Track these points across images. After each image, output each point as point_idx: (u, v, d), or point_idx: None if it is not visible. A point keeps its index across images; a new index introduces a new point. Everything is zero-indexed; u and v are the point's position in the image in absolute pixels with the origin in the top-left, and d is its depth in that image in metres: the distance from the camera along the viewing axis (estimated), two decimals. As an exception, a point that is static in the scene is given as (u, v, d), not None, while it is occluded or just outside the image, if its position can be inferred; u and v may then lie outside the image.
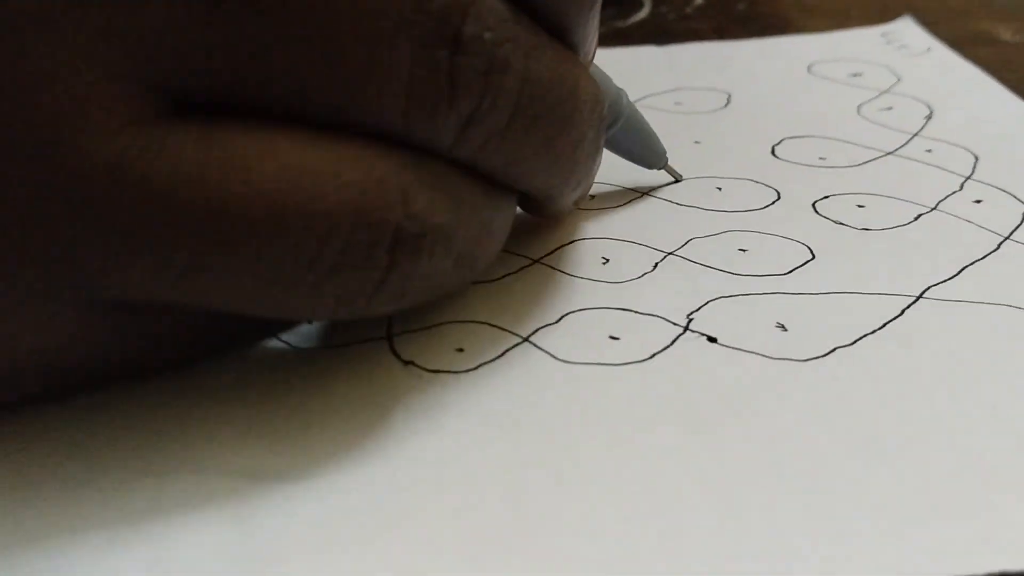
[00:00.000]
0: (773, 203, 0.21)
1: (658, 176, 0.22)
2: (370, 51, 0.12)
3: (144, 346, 0.14)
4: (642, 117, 0.21)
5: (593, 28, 0.16)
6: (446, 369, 0.16)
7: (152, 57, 0.12)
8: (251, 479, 0.14)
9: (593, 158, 0.17)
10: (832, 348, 0.16)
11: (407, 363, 0.16)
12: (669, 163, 0.22)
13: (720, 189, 0.22)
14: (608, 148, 0.21)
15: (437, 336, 0.17)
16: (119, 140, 0.12)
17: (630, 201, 0.22)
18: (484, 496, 0.13)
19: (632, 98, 0.25)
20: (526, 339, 0.17)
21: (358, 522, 0.13)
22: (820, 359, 0.16)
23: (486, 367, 0.16)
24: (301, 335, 0.17)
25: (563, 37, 0.15)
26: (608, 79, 0.20)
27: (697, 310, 0.17)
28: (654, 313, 0.17)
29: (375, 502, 0.13)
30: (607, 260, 0.19)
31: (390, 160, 0.13)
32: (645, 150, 0.22)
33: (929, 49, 0.30)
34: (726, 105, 0.27)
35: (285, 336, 0.17)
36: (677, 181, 0.22)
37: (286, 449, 0.14)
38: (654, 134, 0.22)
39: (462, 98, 0.13)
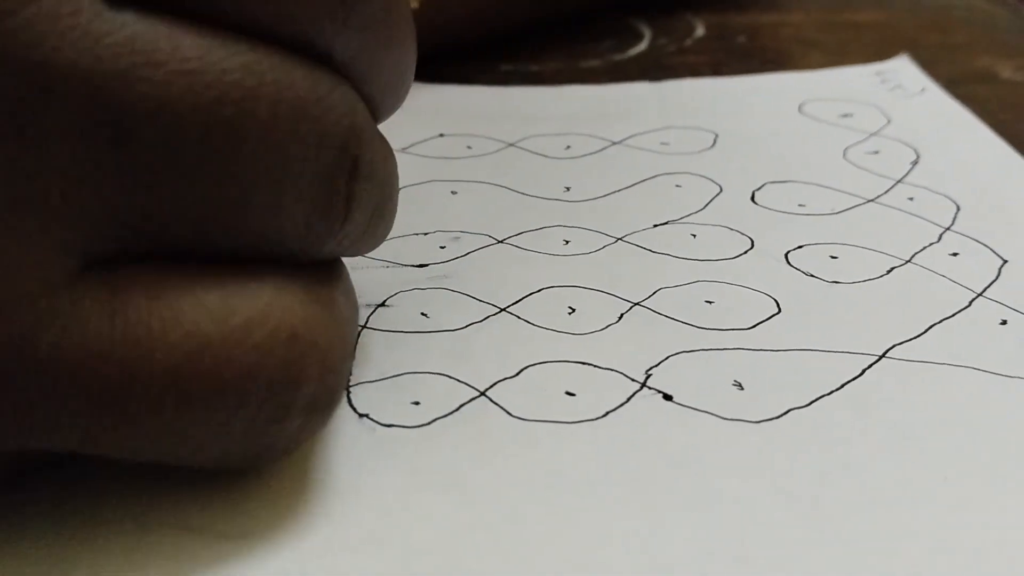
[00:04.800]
0: (746, 252, 0.21)
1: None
2: (276, 187, 0.12)
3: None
4: None
5: None
6: (399, 424, 0.16)
7: (62, 218, 0.11)
8: (189, 533, 0.14)
9: None
10: (787, 409, 0.16)
11: (362, 416, 0.16)
12: None
13: (695, 236, 0.22)
14: None
15: (394, 388, 0.17)
16: (32, 309, 0.11)
17: (604, 246, 0.22)
18: (419, 560, 0.14)
19: (619, 137, 0.25)
20: (483, 393, 0.17)
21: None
22: (773, 420, 0.16)
23: (439, 422, 0.16)
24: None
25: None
26: None
27: (656, 365, 0.18)
28: (613, 368, 0.17)
29: (305, 563, 0.13)
30: (573, 310, 0.19)
31: (297, 310, 0.13)
32: None
33: (923, 90, 0.30)
34: (712, 146, 0.27)
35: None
36: None
37: (226, 504, 0.14)
38: None
39: (356, 213, 0.13)
